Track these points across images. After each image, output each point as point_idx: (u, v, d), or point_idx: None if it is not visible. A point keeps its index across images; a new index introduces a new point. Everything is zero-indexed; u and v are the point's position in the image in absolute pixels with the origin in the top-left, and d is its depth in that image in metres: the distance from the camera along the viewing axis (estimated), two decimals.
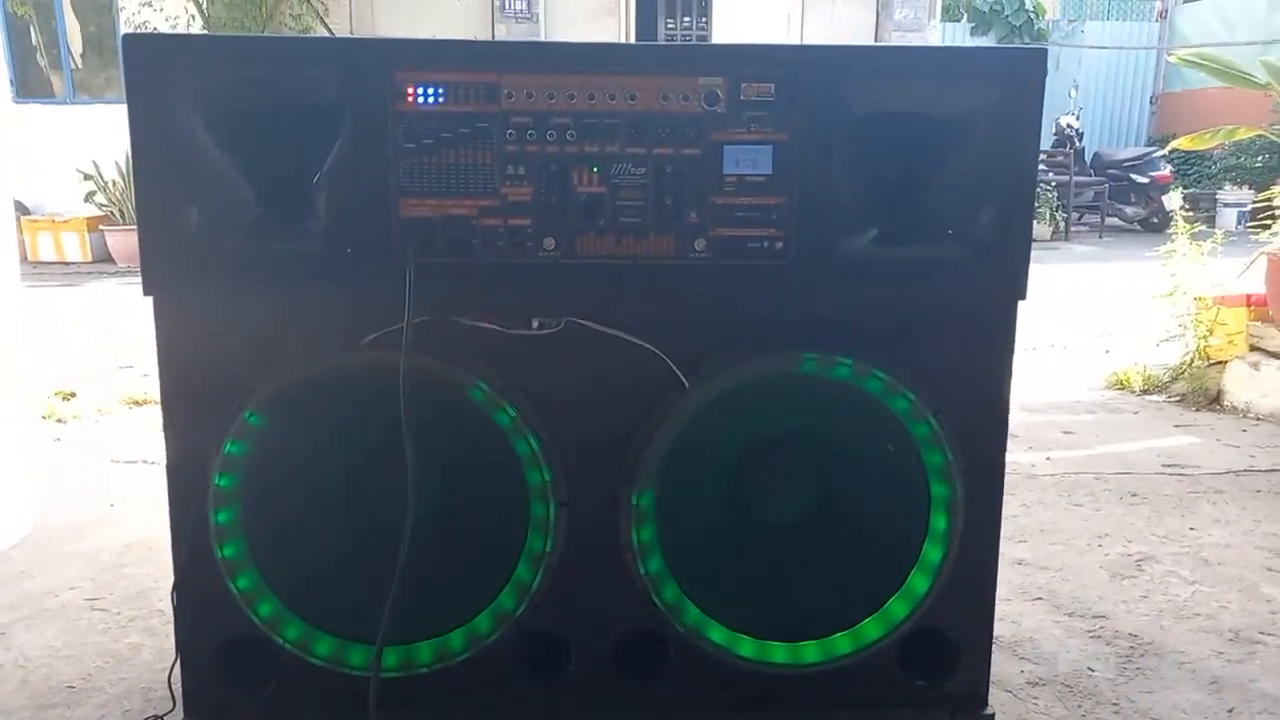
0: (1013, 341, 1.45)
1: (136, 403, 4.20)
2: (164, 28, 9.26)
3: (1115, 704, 1.89)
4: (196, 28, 9.32)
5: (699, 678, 1.51)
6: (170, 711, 1.62)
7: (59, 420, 3.93)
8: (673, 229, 1.38)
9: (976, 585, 1.55)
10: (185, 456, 1.42)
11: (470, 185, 1.36)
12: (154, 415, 3.95)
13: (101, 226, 9.24)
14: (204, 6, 9.18)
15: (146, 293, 1.38)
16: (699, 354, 1.42)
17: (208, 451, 1.39)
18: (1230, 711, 1.87)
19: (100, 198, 9.35)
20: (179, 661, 1.50)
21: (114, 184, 9.29)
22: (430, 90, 1.33)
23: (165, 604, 2.23)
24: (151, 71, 1.32)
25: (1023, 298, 1.43)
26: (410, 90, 1.33)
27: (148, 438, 3.64)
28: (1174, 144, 4.76)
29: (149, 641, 2.09)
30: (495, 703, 1.51)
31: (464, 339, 1.41)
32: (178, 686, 1.52)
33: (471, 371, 1.41)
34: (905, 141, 1.38)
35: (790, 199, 1.37)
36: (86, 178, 9.29)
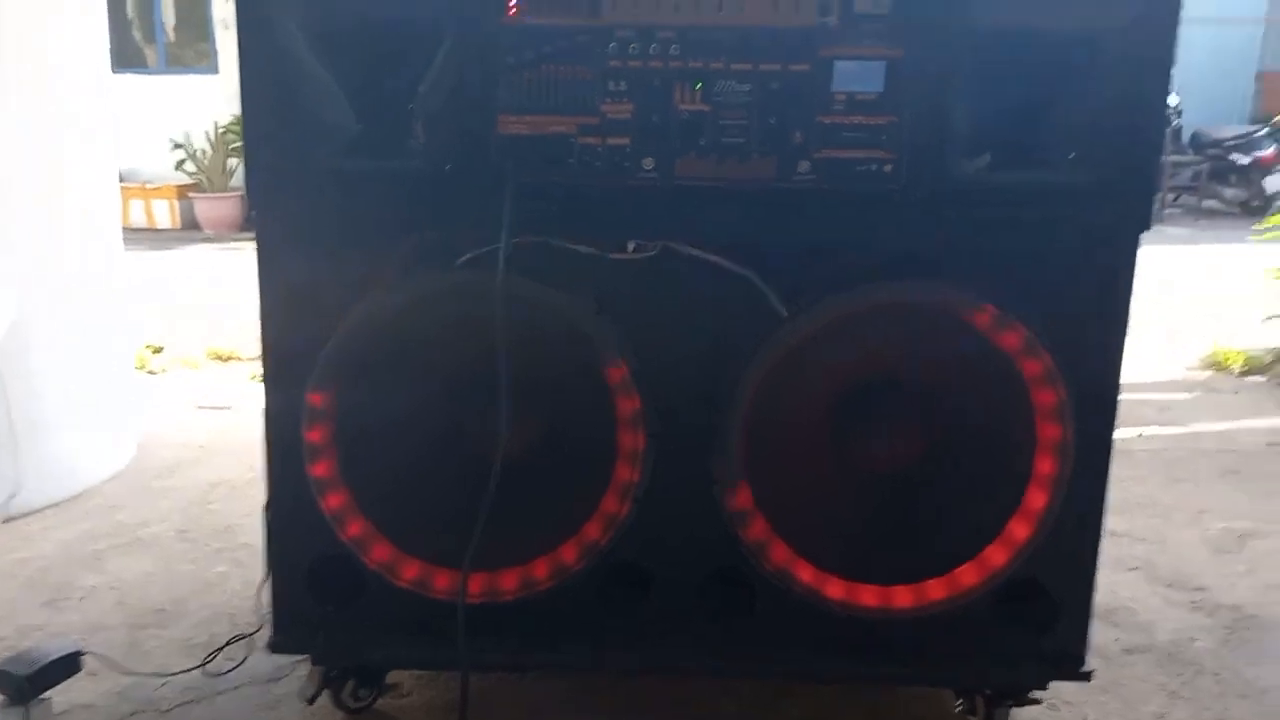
0: (1133, 276, 1.37)
1: (221, 358, 4.31)
2: None
3: (1217, 674, 1.81)
4: None
5: (785, 618, 1.47)
6: (256, 631, 1.65)
7: (150, 372, 4.03)
8: (776, 150, 1.32)
9: (1080, 537, 1.47)
10: (282, 372, 1.42)
11: (570, 102, 1.32)
12: (238, 369, 4.07)
13: (190, 194, 9.48)
14: None
15: (249, 207, 1.38)
16: (800, 281, 1.37)
17: (304, 368, 1.39)
18: None
19: (190, 166, 9.60)
20: (267, 582, 1.52)
21: (203, 153, 9.53)
22: (533, 3, 1.30)
23: (250, 538, 2.28)
24: None
25: (1146, 228, 1.35)
26: (513, 3, 1.30)
27: (232, 388, 3.73)
28: None
29: (235, 571, 2.14)
30: (578, 634, 1.49)
31: (559, 261, 1.38)
32: (265, 606, 1.53)
33: (565, 294, 1.38)
34: (1029, 60, 1.30)
35: (902, 119, 1.31)
36: (177, 146, 9.55)
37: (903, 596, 1.47)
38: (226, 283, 6.43)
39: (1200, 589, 2.16)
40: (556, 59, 1.31)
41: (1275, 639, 1.94)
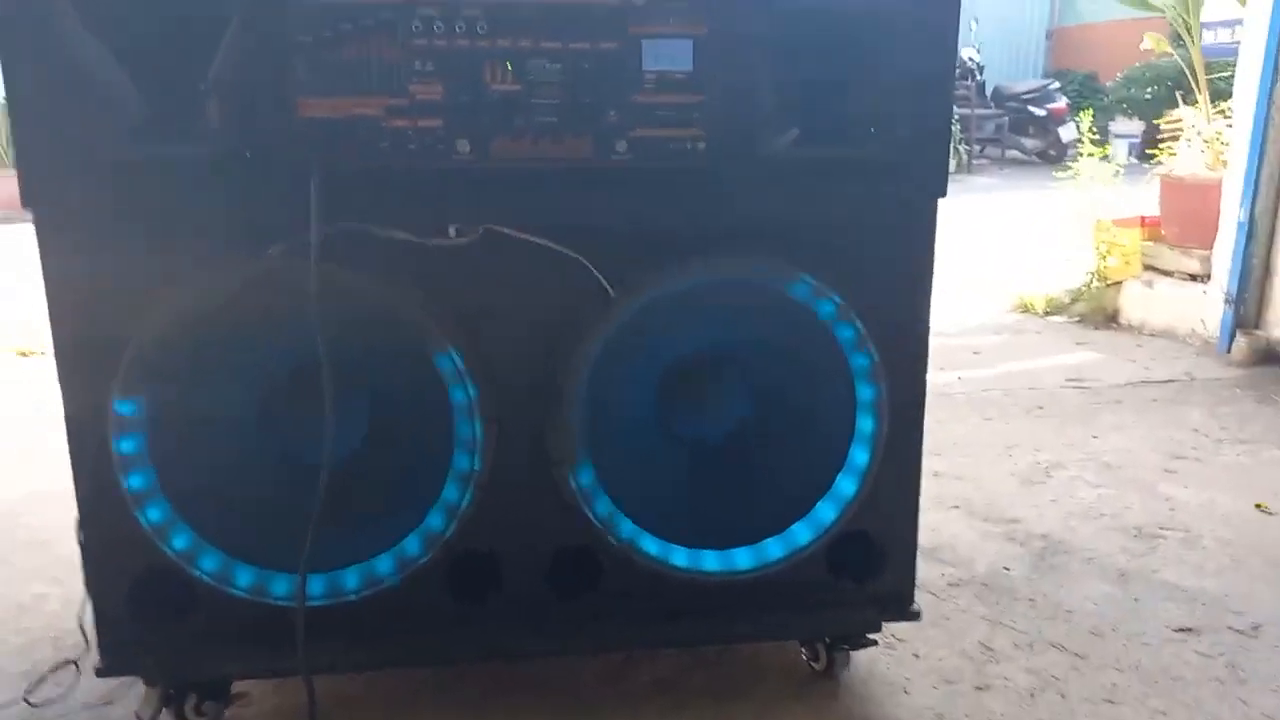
0: (933, 239, 1.45)
1: (24, 354, 3.99)
2: None
3: (1031, 599, 1.97)
4: None
5: (635, 590, 1.50)
6: (84, 654, 1.55)
7: None
8: (592, 129, 1.32)
9: (901, 488, 1.57)
10: (81, 380, 1.32)
11: (375, 83, 1.28)
12: (44, 366, 3.76)
13: None
14: None
15: (25, 205, 1.27)
16: (623, 260, 1.38)
17: (106, 374, 1.30)
18: (1136, 600, 1.96)
19: None
20: (88, 602, 1.42)
21: None
22: None
23: (69, 552, 2.11)
24: None
25: (942, 194, 1.43)
26: None
27: (39, 389, 3.45)
28: (1147, 42, 4.80)
29: (54, 590, 2.00)
30: (429, 627, 1.48)
31: (377, 249, 1.34)
32: (89, 628, 1.44)
33: (386, 283, 1.34)
34: (825, 38, 1.35)
35: (711, 97, 1.33)
36: None
37: (743, 558, 1.53)
38: (22, 268, 5.90)
39: (1013, 520, 2.35)
40: (358, 38, 1.26)
41: (1078, 562, 2.13)
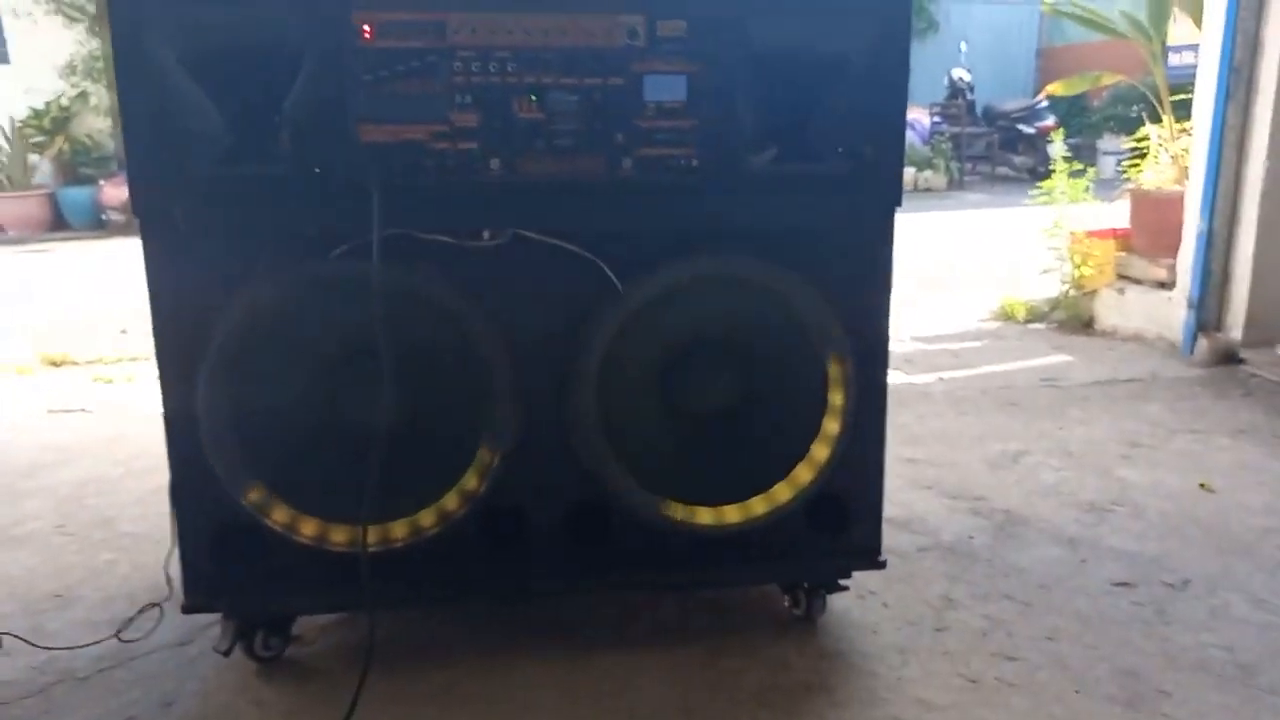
0: (892, 242, 1.72)
1: (54, 363, 4.23)
2: None
3: (989, 561, 2.22)
4: None
5: (638, 540, 1.75)
6: (164, 600, 1.80)
7: None
8: (603, 150, 1.59)
9: (867, 455, 1.82)
10: (175, 360, 1.58)
11: (422, 113, 1.54)
12: (74, 373, 4.01)
13: None
14: None
15: (135, 213, 1.54)
16: (630, 259, 1.65)
17: (196, 356, 1.56)
18: (1083, 561, 2.21)
19: None
20: (174, 551, 1.67)
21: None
22: (384, 28, 1.51)
23: (132, 527, 2.39)
24: (133, 11, 1.47)
25: (898, 204, 1.69)
26: (367, 28, 1.51)
27: (77, 391, 3.72)
28: (1047, 89, 5.16)
29: (122, 558, 2.25)
30: (464, 572, 1.73)
31: (422, 250, 1.60)
32: (173, 577, 1.69)
33: (430, 279, 1.61)
34: (797, 71, 1.62)
35: (702, 122, 1.60)
36: None
37: (732, 514, 1.78)
38: (38, 286, 6.18)
39: (979, 498, 2.60)
40: (408, 76, 1.53)
41: (1034, 532, 2.38)
